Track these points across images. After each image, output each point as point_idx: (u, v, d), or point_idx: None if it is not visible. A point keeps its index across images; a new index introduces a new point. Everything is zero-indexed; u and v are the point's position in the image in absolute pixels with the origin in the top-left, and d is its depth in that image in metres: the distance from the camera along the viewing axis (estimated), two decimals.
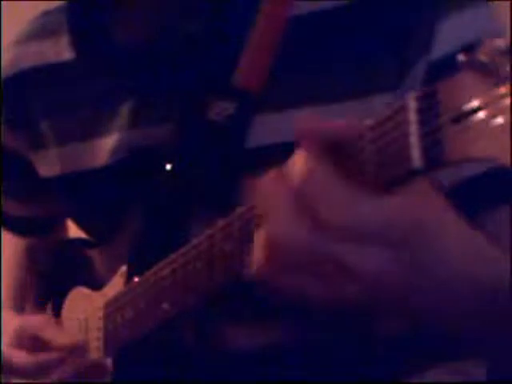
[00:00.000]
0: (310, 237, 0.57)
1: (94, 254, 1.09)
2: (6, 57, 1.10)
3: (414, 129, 0.54)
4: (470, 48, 0.80)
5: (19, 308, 1.19)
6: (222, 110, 0.88)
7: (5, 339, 1.08)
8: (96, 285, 1.07)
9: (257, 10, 0.90)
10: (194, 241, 0.82)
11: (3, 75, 1.10)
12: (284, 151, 0.86)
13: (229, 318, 0.94)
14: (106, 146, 0.98)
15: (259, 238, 0.62)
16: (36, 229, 1.23)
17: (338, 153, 0.60)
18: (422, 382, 0.91)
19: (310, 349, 0.93)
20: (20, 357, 1.03)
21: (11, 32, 1.16)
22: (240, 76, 0.89)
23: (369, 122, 0.58)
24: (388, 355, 0.91)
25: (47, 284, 1.19)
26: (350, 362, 0.91)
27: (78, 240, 1.16)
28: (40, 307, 1.17)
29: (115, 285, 1.00)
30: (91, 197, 1.02)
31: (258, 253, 0.62)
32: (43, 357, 1.01)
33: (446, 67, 0.81)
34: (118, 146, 0.96)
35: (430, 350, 0.90)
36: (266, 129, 0.88)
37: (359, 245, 0.57)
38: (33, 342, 1.03)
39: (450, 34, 0.84)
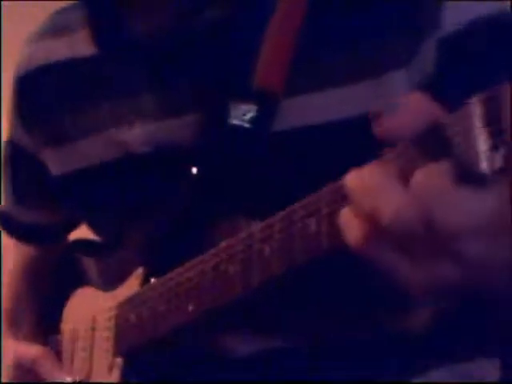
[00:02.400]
0: (424, 231, 0.58)
1: (101, 256, 1.09)
2: (20, 55, 1.09)
3: (478, 133, 0.55)
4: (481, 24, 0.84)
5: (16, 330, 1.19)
6: (243, 112, 0.88)
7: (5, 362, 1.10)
8: (102, 286, 1.07)
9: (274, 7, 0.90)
10: (224, 243, 0.82)
11: (17, 73, 1.09)
12: (307, 135, 0.87)
13: (229, 327, 0.95)
14: (127, 139, 0.97)
15: (348, 214, 0.63)
16: (42, 237, 1.22)
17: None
18: (423, 382, 0.93)
19: (310, 352, 0.94)
20: None
21: (11, 32, 1.15)
22: (260, 76, 0.89)
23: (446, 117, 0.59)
24: (391, 357, 0.93)
25: (50, 285, 1.18)
26: (352, 365, 0.93)
27: (84, 241, 1.16)
28: (37, 327, 1.17)
29: (128, 286, 0.99)
30: (109, 191, 1.01)
31: (353, 225, 0.62)
32: None
33: (457, 42, 0.84)
34: (141, 139, 0.96)
35: (435, 351, 0.93)
36: (291, 112, 0.88)
37: (470, 237, 0.58)
38: (27, 377, 1.05)
39: (459, 9, 0.85)
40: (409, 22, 0.86)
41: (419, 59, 0.85)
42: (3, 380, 1.10)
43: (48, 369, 1.04)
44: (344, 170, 0.66)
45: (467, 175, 0.57)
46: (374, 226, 0.60)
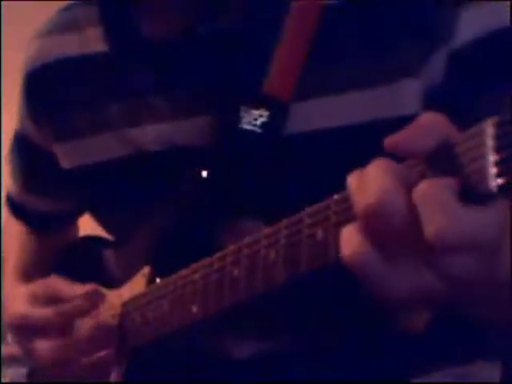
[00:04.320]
0: (415, 239, 0.58)
1: (109, 253, 1.10)
2: (29, 50, 1.10)
3: (489, 154, 0.56)
4: (492, 37, 0.85)
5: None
6: (254, 117, 0.89)
7: (15, 307, 1.06)
8: (108, 283, 1.07)
9: (287, 13, 0.91)
10: (232, 246, 0.82)
11: (27, 68, 1.09)
12: (318, 140, 0.88)
13: (231, 329, 0.96)
14: (139, 137, 0.98)
15: (351, 229, 0.62)
16: (51, 224, 1.23)
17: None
18: (423, 382, 0.94)
19: (310, 353, 0.95)
20: (40, 313, 1.01)
21: (11, 32, 1.16)
22: (271, 82, 0.90)
23: (456, 136, 0.59)
24: (391, 357, 0.94)
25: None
26: (352, 366, 0.94)
27: (92, 237, 1.18)
28: None
29: (135, 285, 1.00)
30: (117, 188, 1.02)
31: (352, 239, 0.62)
32: (64, 308, 1.00)
33: (468, 54, 0.85)
34: (153, 138, 0.97)
35: (435, 352, 0.94)
36: (301, 116, 0.89)
37: (460, 253, 0.58)
38: (50, 300, 1.02)
39: (472, 22, 0.86)
40: (423, 31, 0.86)
41: (429, 68, 0.86)
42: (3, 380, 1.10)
43: (67, 289, 1.02)
44: None
45: (471, 194, 0.58)
46: (369, 227, 0.60)
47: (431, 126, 0.61)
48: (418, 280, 0.60)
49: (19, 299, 1.05)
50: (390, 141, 0.62)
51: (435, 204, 0.58)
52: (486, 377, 0.95)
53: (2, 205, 1.26)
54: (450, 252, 0.58)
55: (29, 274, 1.20)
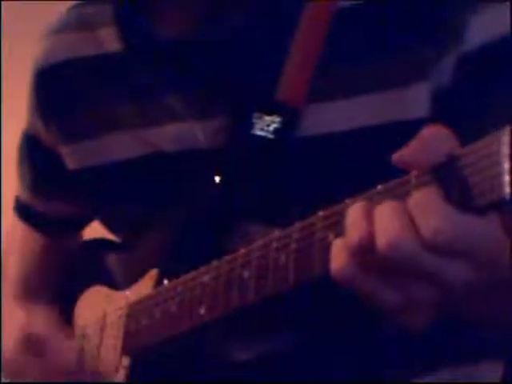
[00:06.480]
0: (412, 249, 0.62)
1: (115, 255, 1.10)
2: (39, 48, 1.09)
3: (504, 161, 0.57)
4: (500, 41, 0.86)
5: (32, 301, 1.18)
6: (266, 123, 0.90)
7: (8, 332, 1.08)
8: (114, 285, 1.08)
9: (299, 16, 0.91)
10: (243, 249, 0.83)
11: (37, 66, 1.09)
12: (329, 143, 0.88)
13: (235, 331, 0.97)
14: (156, 137, 0.98)
15: (339, 244, 0.67)
16: (59, 229, 1.23)
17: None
18: (423, 382, 0.95)
19: (311, 353, 0.95)
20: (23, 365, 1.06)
21: (11, 32, 1.16)
22: (284, 88, 0.90)
23: (462, 149, 0.61)
24: (392, 357, 0.95)
25: (63, 282, 1.19)
26: (352, 366, 0.94)
27: (98, 240, 1.17)
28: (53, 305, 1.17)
29: (142, 286, 1.00)
30: (127, 190, 1.02)
31: (339, 256, 0.66)
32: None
33: (477, 58, 0.86)
34: (171, 138, 0.97)
35: (436, 352, 0.95)
36: (313, 119, 0.90)
37: (451, 259, 0.62)
38: (38, 349, 1.05)
39: (481, 26, 0.87)
40: (435, 34, 0.87)
41: (439, 71, 0.87)
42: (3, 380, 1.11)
43: (57, 345, 1.05)
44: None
45: (475, 202, 0.60)
46: (364, 257, 0.64)
47: (434, 140, 0.64)
48: (409, 290, 0.64)
49: (14, 325, 1.08)
50: (396, 156, 0.65)
51: (428, 209, 0.62)
52: (487, 377, 0.96)
53: (3, 208, 1.26)
54: (445, 255, 0.61)
55: (31, 283, 1.21)
